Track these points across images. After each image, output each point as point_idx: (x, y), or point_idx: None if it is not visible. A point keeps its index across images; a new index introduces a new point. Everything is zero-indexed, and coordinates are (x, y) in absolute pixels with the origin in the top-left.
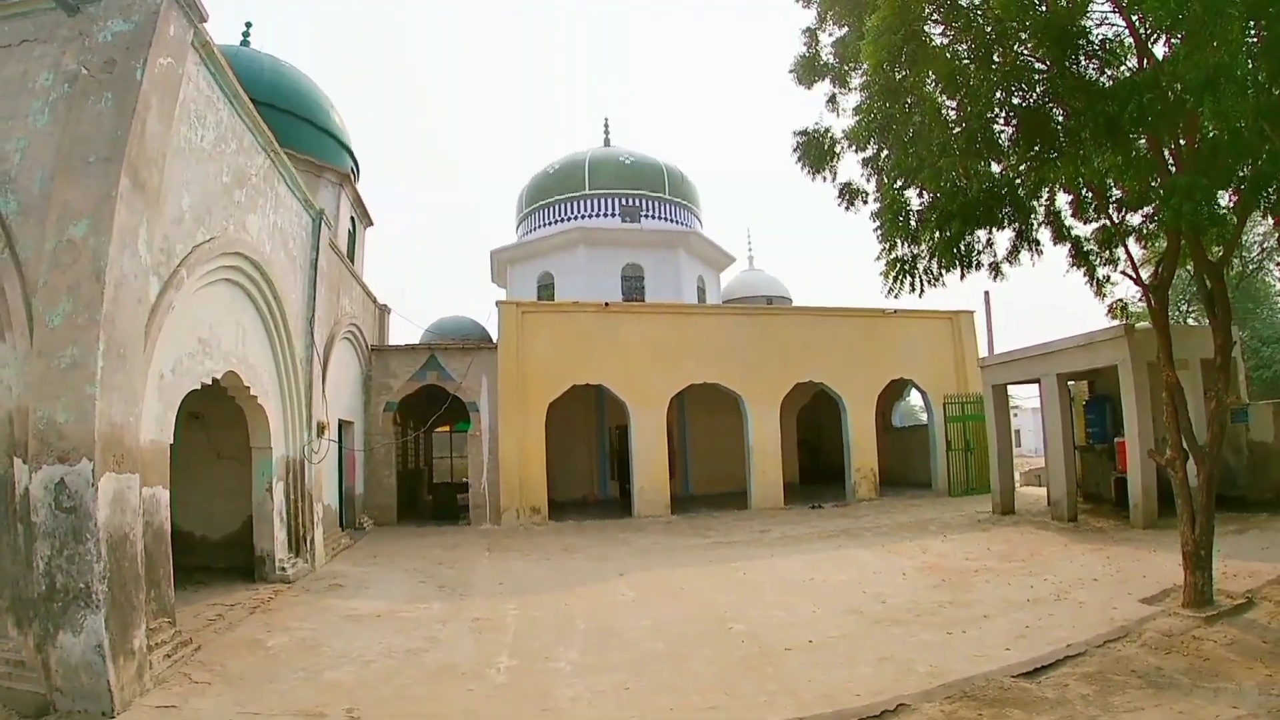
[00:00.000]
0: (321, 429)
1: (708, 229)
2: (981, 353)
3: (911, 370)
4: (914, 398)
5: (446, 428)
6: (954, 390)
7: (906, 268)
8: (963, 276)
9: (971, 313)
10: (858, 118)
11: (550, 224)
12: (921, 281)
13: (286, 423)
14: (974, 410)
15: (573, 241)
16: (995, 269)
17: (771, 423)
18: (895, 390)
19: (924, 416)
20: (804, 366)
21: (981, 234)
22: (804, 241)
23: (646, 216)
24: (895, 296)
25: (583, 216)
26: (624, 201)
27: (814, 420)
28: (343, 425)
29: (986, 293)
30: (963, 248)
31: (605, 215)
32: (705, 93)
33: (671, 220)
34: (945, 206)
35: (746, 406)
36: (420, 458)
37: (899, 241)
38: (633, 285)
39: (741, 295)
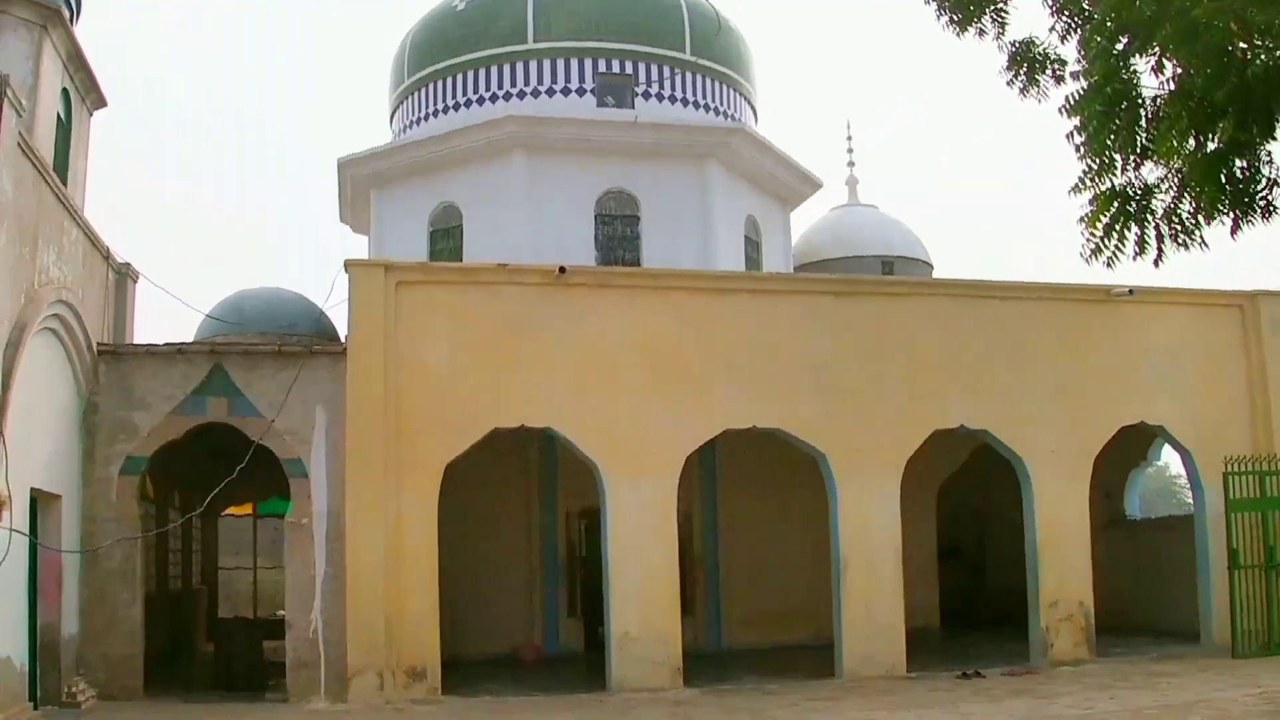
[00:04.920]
0: None
1: (769, 125)
2: None
3: (1161, 408)
4: (1167, 462)
5: (245, 509)
6: (1246, 448)
7: (1131, 209)
8: (1236, 228)
9: None
10: None
11: (456, 107)
12: (1162, 236)
13: None
14: None
15: (501, 142)
16: None
17: (885, 509)
18: (1130, 448)
19: (1189, 499)
20: (950, 398)
21: None
22: (956, 156)
23: (649, 96)
24: (1107, 263)
25: (521, 93)
26: (605, 67)
27: (970, 505)
28: (39, 501)
29: None
30: (1242, 173)
31: (565, 91)
32: None
33: (699, 105)
34: (1207, 94)
35: (836, 477)
36: (193, 567)
37: (1117, 158)
38: (617, 234)
39: (830, 256)
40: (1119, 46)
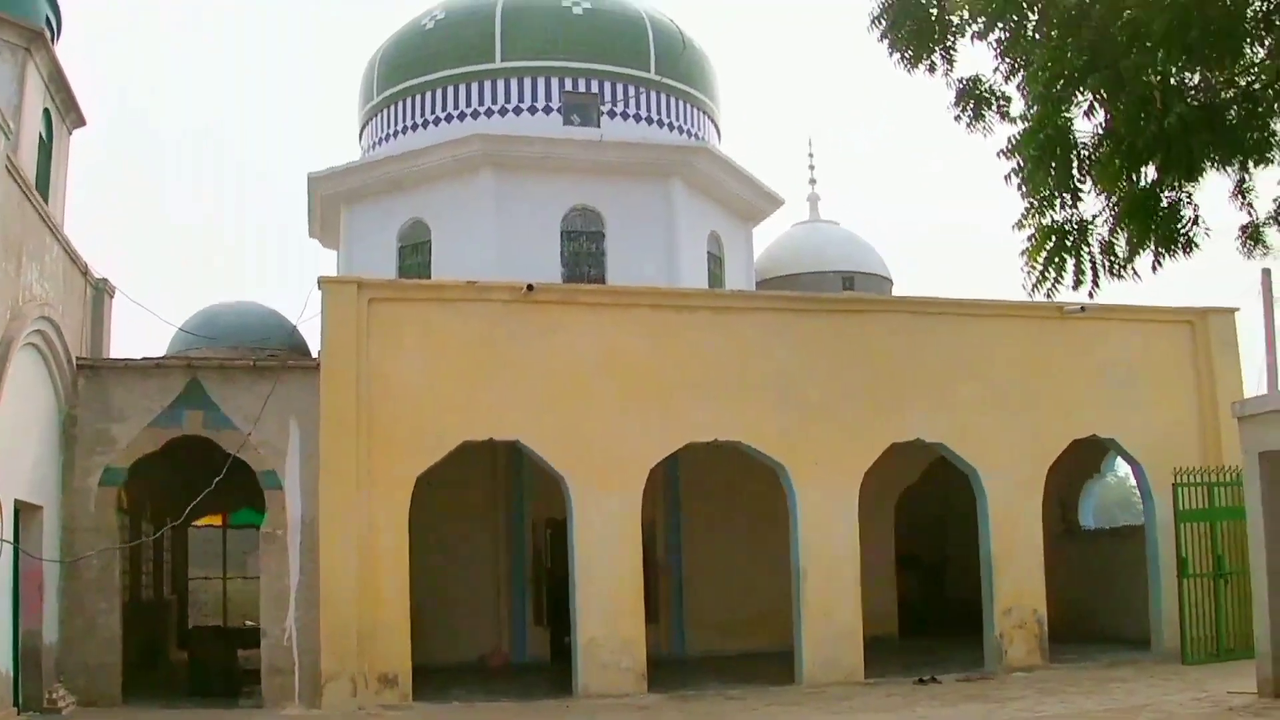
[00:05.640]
0: None
1: (732, 143)
2: (1252, 387)
3: (1112, 422)
4: (1127, 473)
5: (215, 520)
6: (1196, 459)
7: (1068, 244)
8: (1157, 263)
9: (1232, 313)
10: None
11: (425, 124)
12: (1097, 267)
13: None
14: (1233, 500)
15: (469, 159)
16: (1251, 236)
17: (844, 519)
18: (1084, 460)
19: (1141, 510)
20: (908, 411)
21: (1224, 173)
22: (916, 173)
23: (614, 115)
24: (1047, 294)
25: (489, 112)
26: (571, 86)
27: (928, 516)
28: (21, 511)
29: (1266, 272)
30: (1166, 211)
31: (532, 110)
32: None
33: (663, 123)
34: (1130, 140)
35: (796, 488)
36: (168, 578)
37: (1055, 195)
38: (583, 249)
39: (792, 271)
40: (1055, 90)
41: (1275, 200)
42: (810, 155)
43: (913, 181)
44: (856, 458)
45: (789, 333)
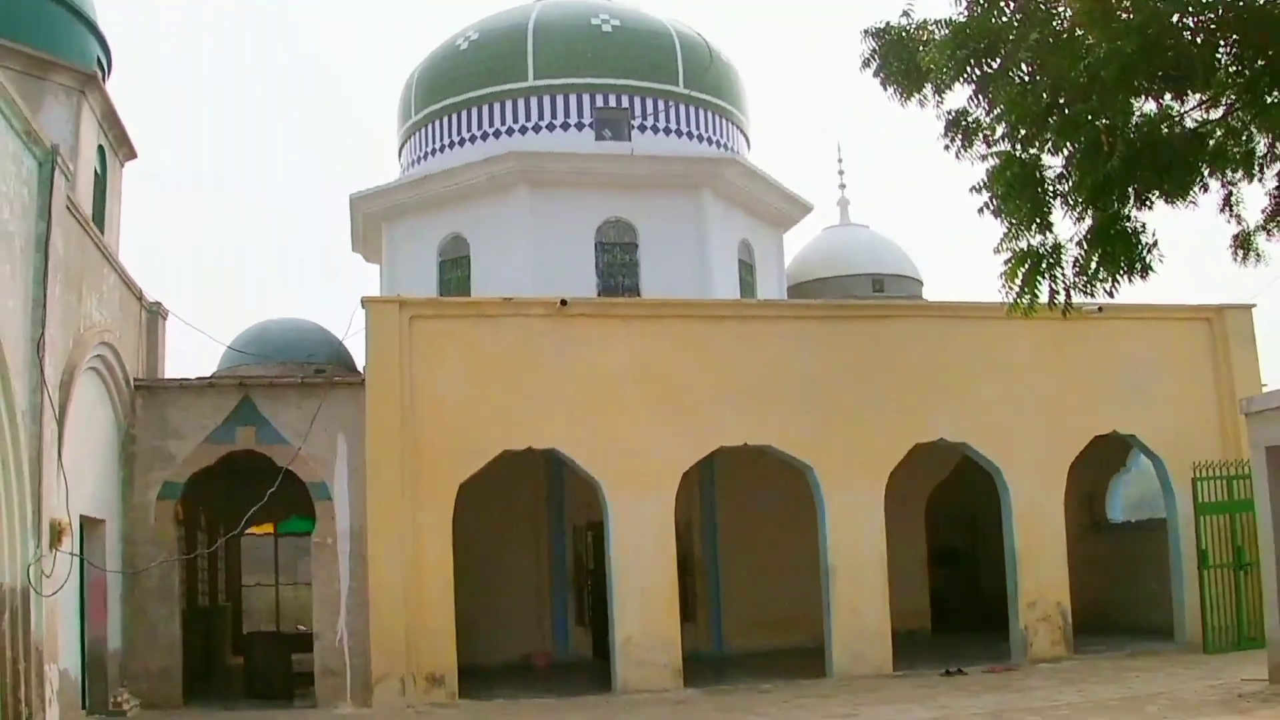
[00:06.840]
0: (58, 534)
1: (761, 153)
2: (1270, 381)
3: (1132, 418)
4: (1143, 469)
5: (267, 528)
6: (1215, 453)
7: (1043, 266)
8: (1115, 287)
9: (1249, 309)
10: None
11: (461, 142)
12: (1069, 287)
13: None
14: (1251, 493)
15: (504, 177)
16: (1242, 244)
17: (871, 518)
18: (1110, 455)
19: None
20: (931, 412)
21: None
22: (943, 178)
23: (645, 129)
24: (1024, 312)
25: (523, 129)
26: (602, 102)
27: (960, 511)
28: (86, 526)
29: None
30: (1130, 236)
31: (565, 126)
32: None
33: (693, 135)
34: (1083, 179)
35: (824, 489)
36: (222, 585)
37: (1029, 222)
38: (617, 261)
39: (823, 275)
40: (1021, 133)
41: (1263, 210)
42: (839, 159)
43: (943, 181)
44: (881, 458)
45: (814, 339)
